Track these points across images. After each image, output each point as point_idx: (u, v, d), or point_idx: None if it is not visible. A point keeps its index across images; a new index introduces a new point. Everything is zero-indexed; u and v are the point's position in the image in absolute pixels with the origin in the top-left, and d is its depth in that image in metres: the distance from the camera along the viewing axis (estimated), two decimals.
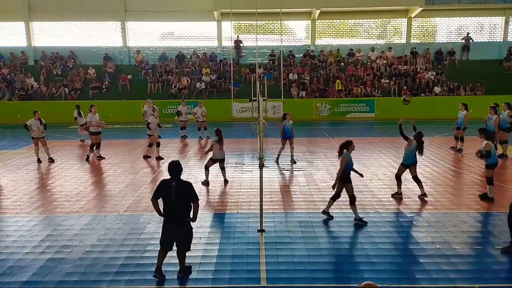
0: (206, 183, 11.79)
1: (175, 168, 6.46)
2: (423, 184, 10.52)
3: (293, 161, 14.26)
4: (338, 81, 26.67)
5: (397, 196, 10.51)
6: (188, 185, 6.46)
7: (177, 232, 6.49)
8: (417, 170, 10.47)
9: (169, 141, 18.78)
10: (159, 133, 19.45)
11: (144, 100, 21.10)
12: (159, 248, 6.71)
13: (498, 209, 9.70)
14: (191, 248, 6.75)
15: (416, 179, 10.42)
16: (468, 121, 15.68)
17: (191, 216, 6.48)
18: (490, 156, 9.93)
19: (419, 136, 10.25)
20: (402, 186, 10.65)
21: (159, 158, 14.86)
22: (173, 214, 6.41)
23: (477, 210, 9.57)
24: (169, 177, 6.50)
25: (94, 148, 15.14)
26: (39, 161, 14.75)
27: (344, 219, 9.09)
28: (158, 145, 15.10)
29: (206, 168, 11.91)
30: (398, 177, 10.58)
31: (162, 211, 6.55)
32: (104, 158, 15.17)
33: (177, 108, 21.59)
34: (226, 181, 11.97)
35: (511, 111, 14.51)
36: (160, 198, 6.52)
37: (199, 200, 6.51)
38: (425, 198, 10.35)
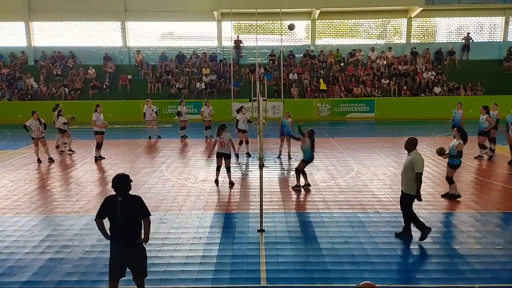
0: (231, 183, 11.76)
1: (120, 182, 5.52)
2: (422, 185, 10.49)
3: (289, 157, 14.91)
4: (321, 80, 26.65)
5: (297, 189, 11.06)
6: (137, 200, 5.59)
7: (127, 255, 5.53)
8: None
9: (169, 141, 18.79)
10: (159, 133, 19.59)
11: (144, 100, 21.11)
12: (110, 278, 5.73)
13: (498, 208, 9.73)
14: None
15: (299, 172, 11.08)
16: (468, 121, 15.66)
17: (143, 235, 5.61)
18: (461, 156, 10.08)
19: (311, 133, 10.94)
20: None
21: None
22: (121, 235, 5.47)
23: (477, 210, 9.56)
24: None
25: (95, 147, 15.12)
26: (39, 161, 14.75)
27: (344, 219, 9.08)
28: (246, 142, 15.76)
29: (227, 169, 11.83)
30: (298, 172, 11.10)
31: (108, 232, 5.61)
32: (104, 158, 15.17)
33: (177, 108, 21.63)
34: (231, 183, 11.68)
35: (489, 115, 14.28)
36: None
37: (150, 215, 5.64)
38: (308, 188, 11.00)
